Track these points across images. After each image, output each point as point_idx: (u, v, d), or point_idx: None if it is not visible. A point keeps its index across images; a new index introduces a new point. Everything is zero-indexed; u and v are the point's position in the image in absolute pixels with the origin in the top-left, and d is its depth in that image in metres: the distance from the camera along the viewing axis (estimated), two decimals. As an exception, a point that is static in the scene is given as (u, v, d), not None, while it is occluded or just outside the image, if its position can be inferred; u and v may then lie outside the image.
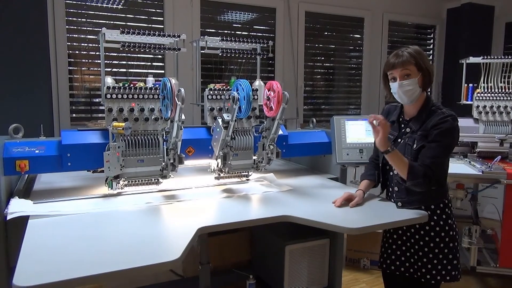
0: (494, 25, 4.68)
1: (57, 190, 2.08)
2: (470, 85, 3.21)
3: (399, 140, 1.87)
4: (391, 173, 1.90)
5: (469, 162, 2.83)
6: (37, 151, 1.90)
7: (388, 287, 2.07)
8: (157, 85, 2.05)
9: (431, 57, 5.01)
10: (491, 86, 3.16)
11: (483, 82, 3.17)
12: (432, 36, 5.03)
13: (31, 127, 2.16)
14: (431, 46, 5.02)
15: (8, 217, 1.63)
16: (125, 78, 3.20)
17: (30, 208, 1.73)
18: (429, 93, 1.88)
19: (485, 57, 3.13)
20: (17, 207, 1.71)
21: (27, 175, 2.28)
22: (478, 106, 3.08)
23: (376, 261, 3.21)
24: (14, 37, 2.83)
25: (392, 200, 1.92)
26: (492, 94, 3.08)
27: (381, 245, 2.03)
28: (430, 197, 1.80)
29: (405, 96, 1.80)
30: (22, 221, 1.62)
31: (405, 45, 1.82)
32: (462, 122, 3.09)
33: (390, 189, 1.93)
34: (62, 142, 1.94)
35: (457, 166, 2.80)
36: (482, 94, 3.09)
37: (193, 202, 1.94)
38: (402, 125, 1.90)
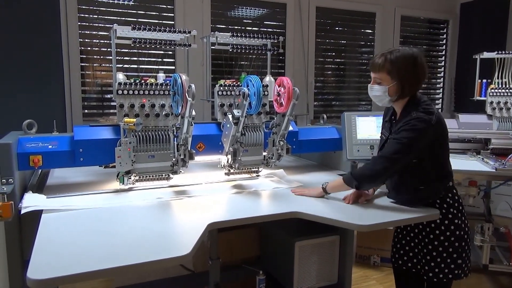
0: (509, 19, 4.58)
1: (69, 185, 2.11)
2: (484, 80, 3.16)
3: (388, 140, 1.87)
4: None
5: (482, 159, 2.79)
6: (50, 147, 1.93)
7: (399, 283, 2.07)
8: (167, 81, 2.06)
9: (443, 52, 4.93)
10: (505, 82, 3.10)
11: (497, 78, 3.12)
12: (445, 31, 4.95)
13: (45, 123, 2.19)
14: (444, 41, 4.95)
15: (22, 211, 1.66)
16: (136, 74, 3.22)
17: (43, 203, 1.76)
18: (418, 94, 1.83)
19: (500, 52, 3.07)
20: (31, 201, 1.74)
21: (40, 170, 2.32)
22: (492, 102, 3.03)
23: (386, 258, 3.21)
24: (27, 34, 2.86)
25: None
26: (506, 90, 3.02)
27: (392, 240, 2.04)
28: (418, 198, 1.81)
29: (374, 99, 1.84)
30: (35, 215, 1.65)
31: (400, 47, 1.76)
32: (476, 118, 3.07)
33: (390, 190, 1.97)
34: (74, 137, 1.96)
35: (470, 163, 2.77)
36: (496, 90, 3.04)
37: (203, 197, 1.95)
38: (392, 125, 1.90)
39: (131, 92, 2.00)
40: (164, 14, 3.48)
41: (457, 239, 1.80)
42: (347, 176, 1.82)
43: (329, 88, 4.43)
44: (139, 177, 2.00)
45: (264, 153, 2.21)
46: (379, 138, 2.02)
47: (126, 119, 1.93)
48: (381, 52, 1.77)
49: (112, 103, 3.31)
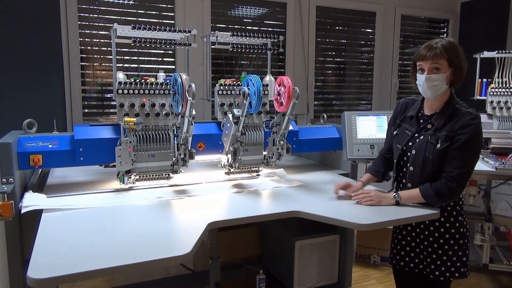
0: (510, 18, 4.58)
1: (70, 184, 2.11)
2: (484, 80, 3.16)
3: (416, 135, 1.82)
4: (405, 169, 1.87)
5: (483, 158, 2.79)
6: (50, 146, 1.93)
7: (399, 284, 2.06)
8: (168, 81, 2.06)
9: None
10: (505, 81, 3.10)
11: (498, 77, 3.11)
12: (445, 30, 4.95)
13: (45, 122, 2.19)
14: (444, 41, 4.95)
15: (23, 211, 1.66)
16: (136, 73, 3.22)
17: (43, 202, 1.76)
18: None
19: (500, 51, 3.07)
20: (31, 201, 1.74)
21: (40, 170, 2.32)
22: (492, 102, 3.03)
23: (386, 257, 3.21)
24: (28, 34, 2.86)
25: None
26: (507, 89, 3.02)
27: (391, 241, 2.02)
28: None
29: (430, 91, 1.74)
30: (36, 215, 1.65)
31: (441, 37, 1.76)
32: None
33: (401, 185, 1.91)
34: (74, 137, 1.96)
35: (470, 163, 2.76)
36: (496, 89, 3.04)
37: (204, 197, 1.95)
38: (421, 121, 1.85)
39: (131, 91, 2.00)
40: (164, 13, 3.48)
41: (461, 237, 1.80)
42: (428, 192, 1.74)
43: (329, 88, 4.44)
44: (139, 176, 2.00)
45: (264, 153, 2.21)
46: (380, 137, 2.01)
47: (126, 119, 1.93)
48: (428, 43, 1.74)
49: (112, 103, 3.32)
